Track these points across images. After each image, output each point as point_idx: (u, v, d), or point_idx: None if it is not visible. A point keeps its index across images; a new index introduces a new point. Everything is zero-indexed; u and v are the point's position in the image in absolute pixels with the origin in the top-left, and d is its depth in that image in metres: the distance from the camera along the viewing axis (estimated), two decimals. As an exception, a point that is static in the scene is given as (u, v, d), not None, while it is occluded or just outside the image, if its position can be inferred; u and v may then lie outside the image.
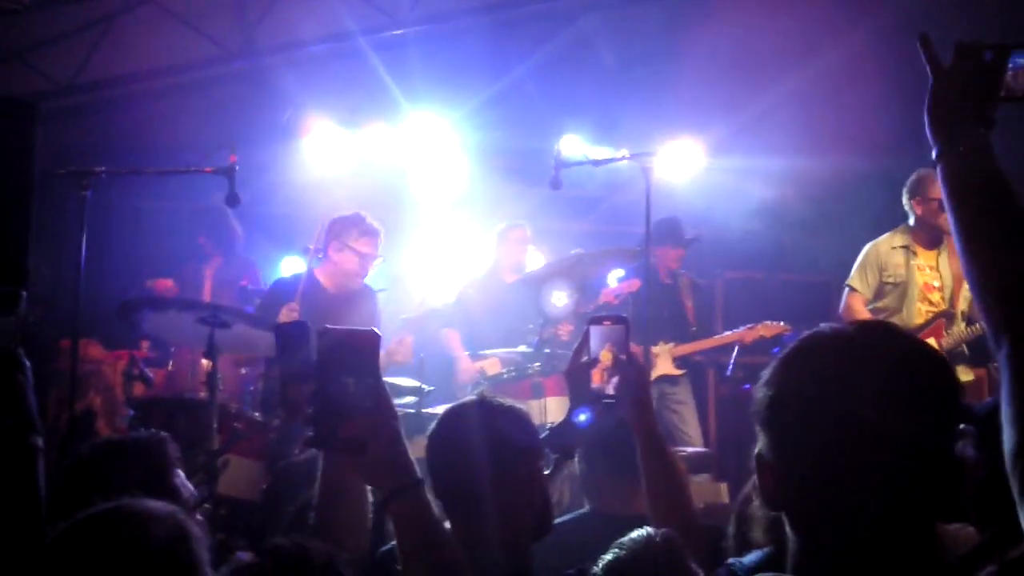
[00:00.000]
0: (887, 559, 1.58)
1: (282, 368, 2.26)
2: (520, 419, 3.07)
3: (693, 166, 7.90)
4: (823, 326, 1.71)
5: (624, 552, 2.45)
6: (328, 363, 2.02)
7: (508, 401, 3.13)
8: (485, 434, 2.86)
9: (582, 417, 3.00)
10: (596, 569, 2.42)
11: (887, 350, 1.63)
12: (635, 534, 2.51)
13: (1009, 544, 2.56)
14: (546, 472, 3.12)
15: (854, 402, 1.57)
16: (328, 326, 2.05)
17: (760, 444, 1.68)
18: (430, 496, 2.13)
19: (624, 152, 6.60)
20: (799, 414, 1.61)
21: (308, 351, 2.13)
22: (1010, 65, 1.94)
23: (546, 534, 2.98)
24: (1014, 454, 1.65)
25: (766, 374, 1.69)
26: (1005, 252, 1.75)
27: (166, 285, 7.50)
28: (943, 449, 1.61)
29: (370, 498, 2.47)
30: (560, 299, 7.20)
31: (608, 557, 2.44)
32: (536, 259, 8.24)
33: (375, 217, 6.91)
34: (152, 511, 2.08)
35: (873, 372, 1.59)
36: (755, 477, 2.38)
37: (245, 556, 2.05)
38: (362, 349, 2.04)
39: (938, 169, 1.90)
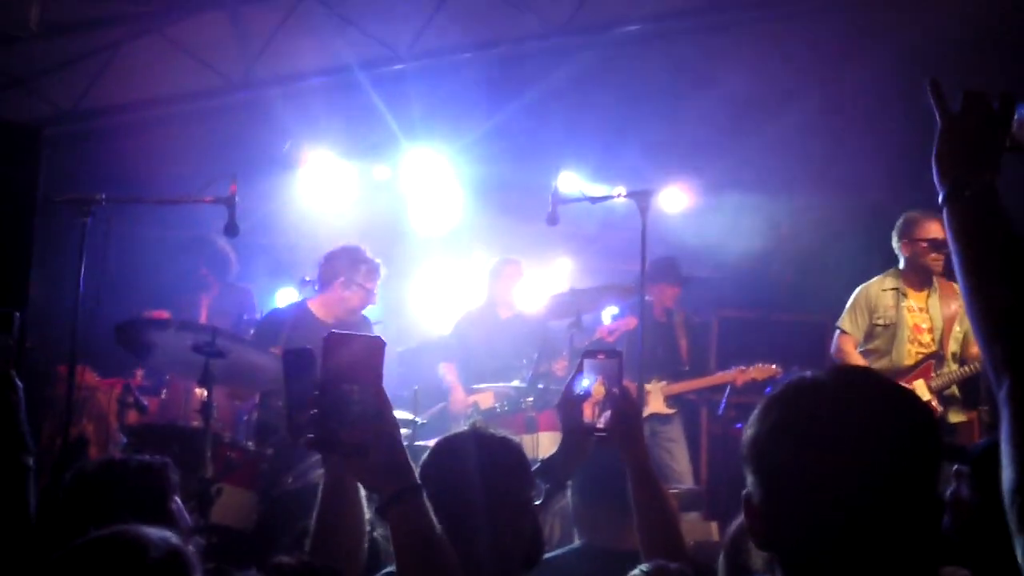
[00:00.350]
0: None
1: (288, 393, 2.29)
2: (512, 450, 3.09)
3: (689, 205, 7.96)
4: (802, 373, 1.74)
5: None
6: (333, 368, 2.04)
7: (501, 432, 3.15)
8: (477, 464, 2.88)
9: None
10: None
11: (863, 395, 1.67)
12: (646, 566, 2.52)
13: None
14: (537, 503, 3.14)
15: (830, 446, 1.61)
16: (335, 331, 2.08)
17: (748, 484, 1.72)
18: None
19: (621, 190, 6.64)
20: (779, 457, 1.65)
21: (314, 377, 2.15)
22: (1016, 116, 1.99)
23: (535, 565, 2.99)
24: (1013, 491, 1.67)
25: (751, 417, 1.73)
26: (1008, 292, 1.79)
27: (162, 316, 7.51)
28: (923, 487, 1.64)
29: (367, 526, 2.50)
30: None
31: None
32: (530, 294, 8.27)
33: (372, 249, 6.95)
34: (149, 537, 2.09)
35: (848, 416, 1.63)
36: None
37: None
38: (367, 356, 2.06)
39: (944, 212, 1.94)
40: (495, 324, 8.07)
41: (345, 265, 6.80)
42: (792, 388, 1.72)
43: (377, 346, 2.08)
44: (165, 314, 7.47)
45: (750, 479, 1.71)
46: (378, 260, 6.88)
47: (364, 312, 6.97)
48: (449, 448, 2.98)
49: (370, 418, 2.03)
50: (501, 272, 8.26)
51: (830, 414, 1.65)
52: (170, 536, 2.12)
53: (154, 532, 2.12)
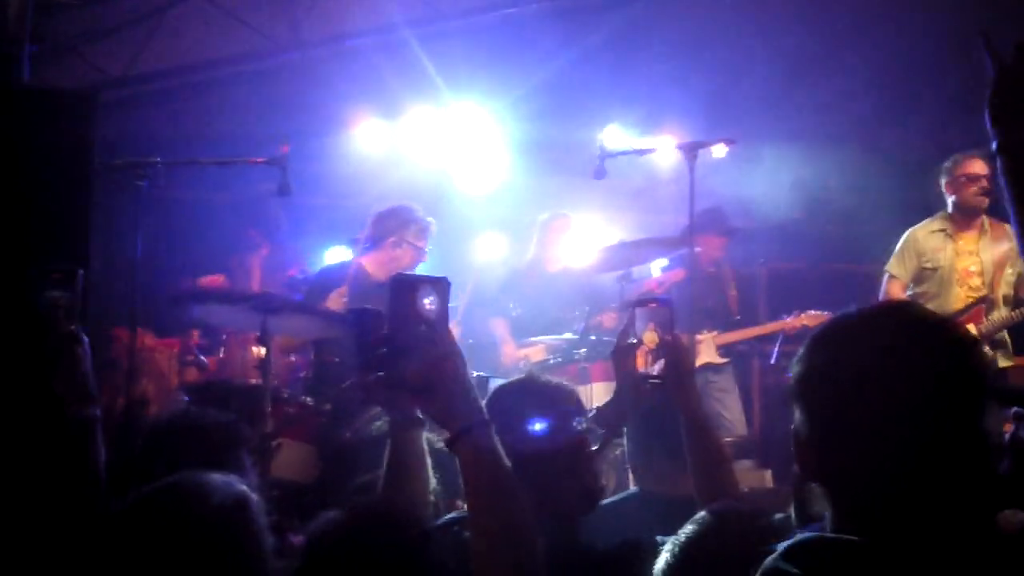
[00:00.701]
0: (918, 527, 1.67)
1: (360, 354, 2.34)
2: (567, 394, 3.15)
3: (737, 158, 7.95)
4: (851, 308, 1.81)
5: (704, 524, 2.43)
6: (399, 309, 2.10)
7: (556, 379, 3.21)
8: (533, 409, 2.94)
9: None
10: (671, 547, 2.44)
11: (904, 329, 1.74)
12: (715, 506, 2.54)
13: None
14: (593, 448, 3.20)
15: (873, 380, 1.68)
16: (400, 273, 2.14)
17: (796, 420, 1.78)
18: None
19: (669, 141, 6.67)
20: (828, 391, 1.72)
21: (380, 331, 2.20)
22: None
23: (593, 508, 3.05)
24: None
25: (798, 355, 1.79)
26: None
27: (216, 281, 7.62)
28: (967, 420, 1.69)
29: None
30: None
31: (687, 530, 2.41)
32: (580, 249, 8.30)
33: (420, 205, 7.03)
34: (214, 482, 2.17)
35: (890, 350, 1.69)
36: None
37: (297, 538, 2.15)
38: (432, 297, 2.12)
39: (997, 158, 2.00)
40: (543, 278, 8.11)
41: (396, 224, 6.88)
42: (837, 324, 1.79)
43: (443, 286, 2.14)
44: (219, 278, 7.58)
45: (797, 415, 1.77)
46: (429, 219, 6.95)
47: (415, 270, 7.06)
48: (505, 393, 3.03)
49: (436, 356, 2.09)
50: (549, 226, 8.29)
51: (872, 348, 1.71)
52: (234, 482, 2.20)
53: (219, 478, 2.19)
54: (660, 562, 2.35)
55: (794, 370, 1.78)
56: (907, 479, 1.67)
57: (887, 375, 1.68)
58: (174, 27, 8.40)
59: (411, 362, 2.08)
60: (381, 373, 2.13)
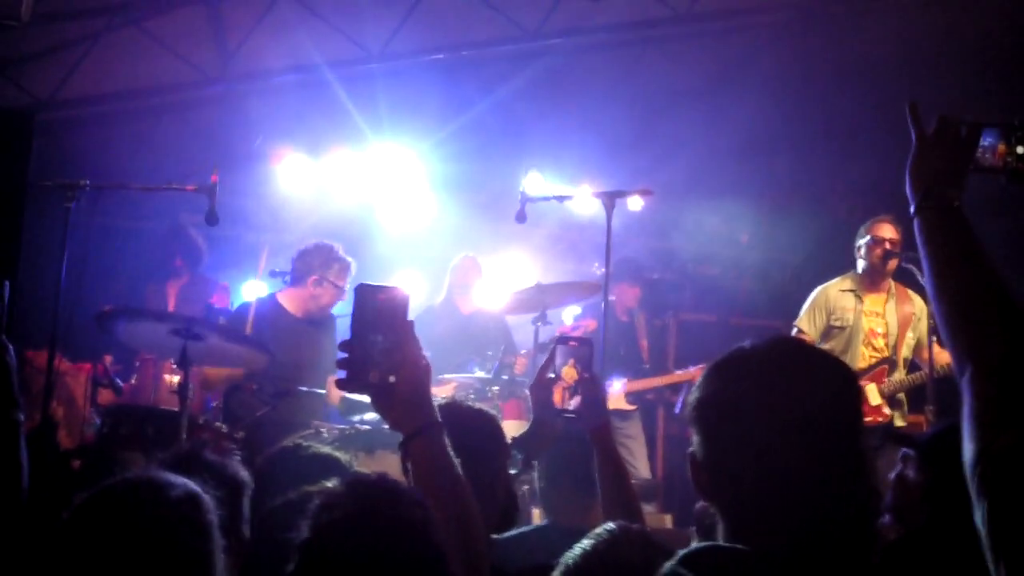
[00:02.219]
0: (798, 539, 1.82)
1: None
2: (488, 419, 3.28)
3: (653, 208, 8.16)
4: (746, 341, 1.98)
5: (600, 540, 2.58)
6: (361, 318, 2.25)
7: (477, 404, 3.33)
8: (454, 432, 3.04)
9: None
10: (568, 557, 2.57)
11: (792, 359, 1.92)
12: (609, 525, 2.68)
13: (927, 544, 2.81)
14: (513, 472, 3.32)
15: (768, 406, 1.84)
16: (364, 284, 2.27)
17: (693, 443, 1.94)
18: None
19: (587, 189, 6.83)
20: (718, 415, 1.88)
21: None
22: (981, 143, 2.21)
23: (509, 526, 3.16)
24: (974, 463, 1.85)
25: (696, 383, 1.96)
26: (969, 290, 1.99)
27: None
28: (846, 444, 1.86)
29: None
30: None
31: (583, 544, 2.56)
32: (495, 290, 8.43)
33: (341, 245, 7.13)
34: (169, 479, 2.26)
35: (780, 378, 1.87)
36: None
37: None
38: (393, 307, 2.27)
39: (915, 221, 2.15)
40: (456, 319, 8.23)
41: (318, 263, 6.98)
42: (730, 355, 1.95)
43: (402, 297, 2.28)
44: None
45: (694, 439, 1.93)
46: (349, 259, 7.06)
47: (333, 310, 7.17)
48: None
49: (395, 361, 2.23)
50: (460, 267, 8.43)
51: (759, 376, 1.88)
52: (188, 482, 2.29)
53: (173, 476, 2.28)
54: (557, 571, 2.49)
55: (692, 396, 1.95)
56: (787, 495, 1.82)
57: (771, 400, 1.84)
58: (105, 54, 8.41)
59: (372, 368, 2.22)
60: (342, 377, 2.25)
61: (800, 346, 2.01)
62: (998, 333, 1.92)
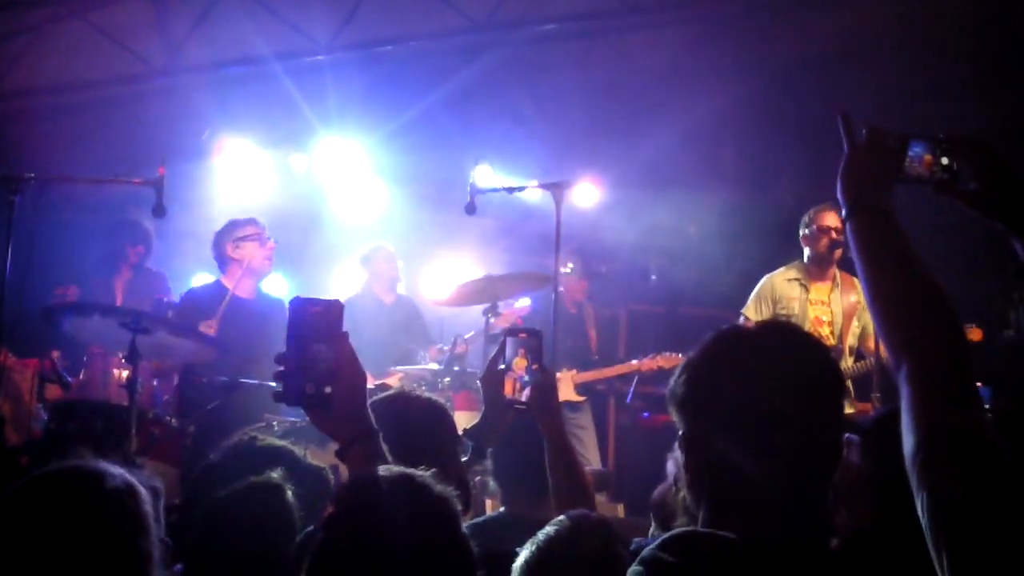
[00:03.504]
0: (781, 523, 1.88)
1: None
2: (437, 407, 3.29)
3: (601, 200, 8.20)
4: (732, 324, 2.02)
5: (563, 528, 2.64)
6: (297, 329, 2.26)
7: (426, 393, 3.35)
8: (403, 421, 3.05)
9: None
10: (530, 545, 2.60)
11: (791, 340, 2.00)
12: (572, 513, 2.72)
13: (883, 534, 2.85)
14: (464, 459, 3.34)
15: (763, 384, 1.90)
16: (297, 296, 2.28)
17: (681, 427, 1.98)
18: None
19: (536, 181, 6.86)
20: (715, 395, 1.93)
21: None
22: (909, 153, 2.28)
23: (465, 513, 3.17)
24: (913, 454, 1.88)
25: (683, 364, 1.99)
26: (901, 290, 2.04)
27: (74, 292, 7.53)
28: (831, 423, 1.95)
29: None
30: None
31: (545, 532, 2.62)
32: (441, 281, 8.45)
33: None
34: (107, 467, 2.26)
35: (780, 358, 1.93)
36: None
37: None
38: (328, 318, 2.28)
39: (847, 225, 2.20)
40: (378, 309, 8.24)
41: (225, 232, 7.22)
42: (722, 336, 2.01)
43: (337, 307, 2.29)
44: (74, 289, 7.51)
45: (681, 421, 1.97)
46: (249, 215, 7.31)
47: (280, 297, 7.19)
48: (380, 405, 3.14)
49: (331, 372, 2.24)
50: (375, 257, 8.48)
51: (756, 357, 1.94)
52: (125, 472, 2.29)
53: (111, 466, 2.28)
54: (520, 559, 2.51)
55: (678, 380, 1.99)
56: (775, 476, 1.88)
57: (766, 378, 1.91)
58: (49, 45, 8.33)
59: (307, 380, 2.23)
60: (279, 391, 2.25)
61: (792, 327, 2.08)
62: (931, 330, 1.97)
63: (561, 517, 2.67)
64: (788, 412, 1.88)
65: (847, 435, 3.25)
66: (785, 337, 2.00)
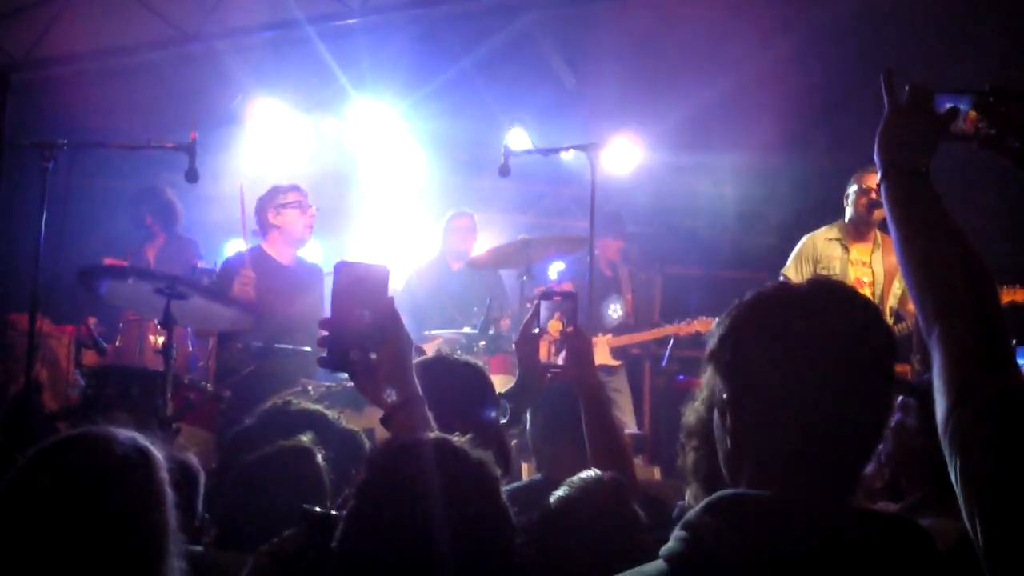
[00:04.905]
0: (823, 485, 1.82)
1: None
2: (476, 371, 3.26)
3: (637, 161, 8.13)
4: (777, 282, 1.97)
5: (573, 489, 2.64)
6: (341, 294, 2.23)
7: (463, 357, 3.32)
8: (442, 385, 3.03)
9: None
10: (546, 504, 2.59)
11: (838, 297, 1.90)
12: (584, 474, 2.70)
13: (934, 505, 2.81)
14: (503, 421, 3.31)
15: (804, 349, 1.82)
16: (342, 261, 2.24)
17: (718, 388, 1.92)
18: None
19: (571, 144, 6.81)
20: (759, 350, 1.86)
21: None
22: (960, 108, 2.21)
23: (504, 476, 3.15)
24: (944, 421, 1.87)
25: (723, 327, 1.92)
26: (936, 253, 2.01)
27: (120, 264, 7.57)
28: (881, 386, 1.86)
29: None
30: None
31: (558, 493, 2.62)
32: (480, 245, 8.41)
33: (323, 202, 7.16)
34: (118, 434, 2.23)
35: (822, 322, 1.84)
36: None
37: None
38: (374, 284, 2.24)
39: (882, 186, 2.16)
40: (445, 276, 8.22)
41: (267, 200, 7.14)
42: (765, 292, 1.93)
43: (382, 272, 2.26)
44: (123, 263, 7.56)
45: (720, 382, 1.90)
46: (292, 182, 7.26)
47: (318, 263, 7.18)
48: (420, 369, 3.12)
49: (376, 338, 2.21)
50: (453, 225, 8.41)
51: (798, 315, 1.86)
52: (137, 437, 2.26)
53: (124, 432, 2.25)
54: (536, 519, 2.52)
55: (716, 339, 1.92)
56: (816, 434, 1.81)
57: (812, 334, 1.82)
58: (80, 11, 8.30)
59: (353, 346, 2.21)
60: (323, 356, 2.22)
61: (841, 286, 1.97)
62: (964, 293, 1.94)
63: (577, 476, 2.66)
64: (837, 374, 1.80)
65: (903, 398, 3.21)
66: (834, 296, 1.90)
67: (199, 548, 2.95)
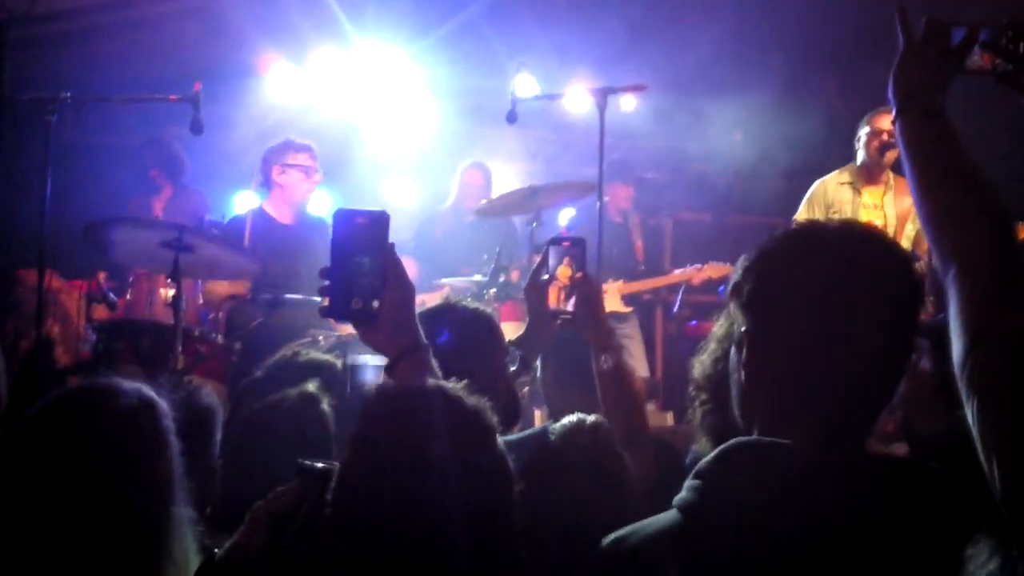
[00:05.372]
0: (844, 431, 1.82)
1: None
2: (484, 318, 3.24)
3: (646, 107, 8.07)
4: (809, 221, 1.94)
5: (556, 435, 2.67)
6: (341, 242, 2.18)
7: (472, 304, 3.31)
8: (452, 331, 3.02)
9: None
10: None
11: (865, 243, 1.89)
12: (566, 419, 2.70)
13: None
14: (512, 369, 3.30)
15: (833, 288, 1.81)
16: (341, 208, 2.21)
17: (742, 324, 1.90)
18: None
19: (579, 87, 6.75)
20: (782, 294, 1.85)
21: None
22: (978, 39, 2.17)
23: (513, 424, 3.15)
24: (962, 360, 1.84)
25: (748, 261, 1.91)
26: (951, 192, 1.98)
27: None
28: (908, 330, 1.87)
29: None
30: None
31: (544, 440, 2.66)
32: (489, 192, 8.36)
33: (330, 151, 7.09)
34: (122, 385, 2.22)
35: (851, 262, 1.84)
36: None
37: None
38: (374, 230, 2.20)
39: (897, 123, 2.13)
40: (459, 226, 8.18)
41: (275, 154, 7.05)
42: (792, 235, 1.94)
43: (383, 219, 2.21)
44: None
45: (743, 318, 1.89)
46: (307, 141, 7.13)
47: (321, 216, 7.15)
48: (426, 317, 3.10)
49: (378, 286, 2.17)
50: (466, 178, 8.37)
51: (828, 252, 1.86)
52: (142, 387, 2.25)
53: (128, 383, 2.24)
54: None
55: (742, 276, 1.90)
56: (839, 378, 1.81)
57: (836, 277, 1.82)
58: (81, -36, 8.25)
59: (354, 295, 2.17)
60: (325, 306, 2.19)
61: (872, 229, 1.98)
62: (980, 232, 1.92)
63: (555, 425, 2.70)
64: (861, 314, 1.80)
65: (916, 339, 3.19)
66: (861, 236, 1.90)
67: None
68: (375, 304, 2.17)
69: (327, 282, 2.19)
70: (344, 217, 2.20)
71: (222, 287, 6.65)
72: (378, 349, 2.25)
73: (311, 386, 3.10)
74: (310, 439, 2.90)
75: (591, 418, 2.75)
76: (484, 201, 7.83)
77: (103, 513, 2.09)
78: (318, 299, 2.21)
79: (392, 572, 1.84)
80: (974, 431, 1.80)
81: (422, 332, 2.24)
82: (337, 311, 2.21)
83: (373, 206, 2.25)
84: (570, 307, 3.38)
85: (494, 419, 1.96)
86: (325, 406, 3.07)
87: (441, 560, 1.83)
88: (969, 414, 1.82)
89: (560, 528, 2.49)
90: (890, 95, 2.15)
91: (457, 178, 8.41)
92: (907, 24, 2.20)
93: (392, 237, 2.21)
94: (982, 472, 1.78)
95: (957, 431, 1.87)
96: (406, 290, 2.23)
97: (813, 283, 1.82)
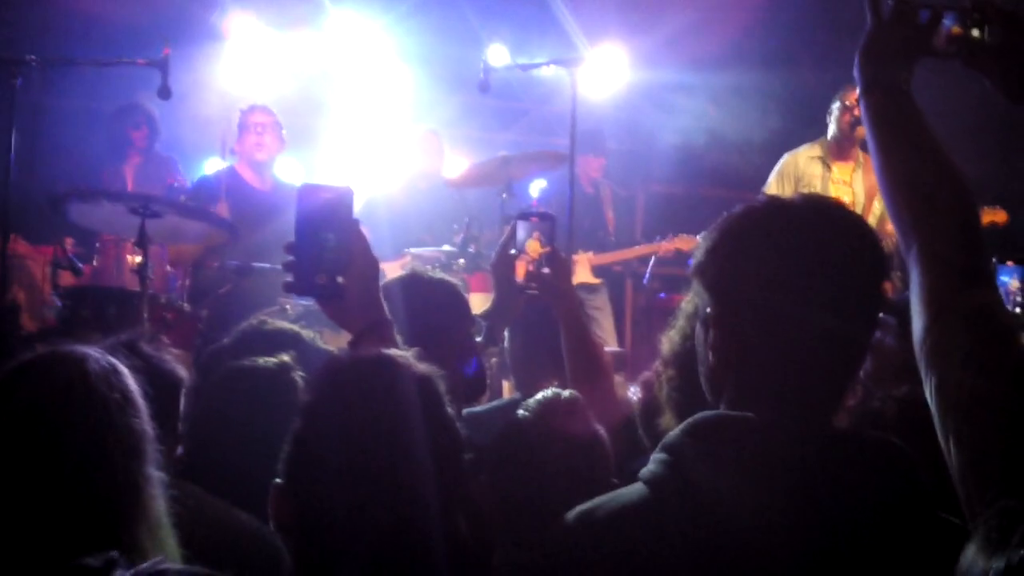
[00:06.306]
0: (808, 404, 1.82)
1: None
2: (449, 288, 3.23)
3: (619, 77, 8.05)
4: (766, 196, 1.93)
5: (531, 410, 2.68)
6: (306, 217, 2.19)
7: (438, 274, 3.29)
8: (416, 303, 3.01)
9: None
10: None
11: (825, 217, 1.89)
12: (541, 394, 2.70)
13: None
14: (478, 339, 3.29)
15: (793, 264, 1.81)
16: (306, 183, 2.19)
17: (705, 305, 1.90)
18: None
19: (551, 57, 6.73)
20: (742, 273, 1.85)
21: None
22: (944, 23, 2.15)
23: (480, 395, 3.14)
24: (921, 339, 1.85)
25: (710, 241, 1.90)
26: (915, 168, 1.97)
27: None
28: (867, 309, 1.87)
29: None
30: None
31: (520, 412, 2.67)
32: (454, 165, 8.32)
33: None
34: (84, 350, 2.20)
35: (811, 237, 1.84)
36: (655, 365, 2.61)
37: None
38: (338, 205, 2.20)
39: (862, 103, 2.12)
40: (415, 194, 8.09)
41: (242, 117, 7.24)
42: (754, 206, 1.93)
43: (347, 194, 2.21)
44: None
45: (706, 297, 1.89)
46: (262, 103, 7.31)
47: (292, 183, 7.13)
48: (391, 288, 3.09)
49: (343, 262, 2.17)
50: (420, 141, 8.31)
51: (787, 227, 1.85)
52: (106, 352, 2.23)
53: (92, 349, 2.22)
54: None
55: (703, 255, 1.90)
56: (805, 355, 1.81)
57: (799, 254, 1.82)
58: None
59: (318, 270, 2.17)
60: (289, 281, 2.19)
61: (832, 202, 1.98)
62: (942, 209, 1.92)
63: (530, 399, 2.72)
64: (825, 290, 1.80)
65: (881, 315, 3.19)
66: (826, 212, 1.90)
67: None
68: (339, 280, 2.17)
69: (291, 257, 2.18)
70: (309, 192, 2.20)
71: (189, 249, 6.62)
72: (342, 324, 2.25)
73: (286, 357, 3.08)
74: (277, 407, 2.88)
75: (566, 393, 2.75)
76: (439, 168, 7.80)
77: (80, 473, 2.08)
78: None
79: (345, 539, 1.82)
80: (932, 407, 1.81)
81: (386, 305, 2.23)
82: (301, 286, 2.21)
83: (342, 178, 2.24)
84: (538, 282, 3.36)
85: (442, 386, 1.94)
86: (295, 376, 3.06)
87: (396, 527, 1.81)
88: (927, 391, 1.83)
89: (537, 504, 2.48)
90: (856, 73, 2.14)
91: (413, 145, 8.35)
92: (876, 2, 2.20)
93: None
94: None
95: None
96: (370, 266, 2.23)
97: (776, 262, 1.81)
